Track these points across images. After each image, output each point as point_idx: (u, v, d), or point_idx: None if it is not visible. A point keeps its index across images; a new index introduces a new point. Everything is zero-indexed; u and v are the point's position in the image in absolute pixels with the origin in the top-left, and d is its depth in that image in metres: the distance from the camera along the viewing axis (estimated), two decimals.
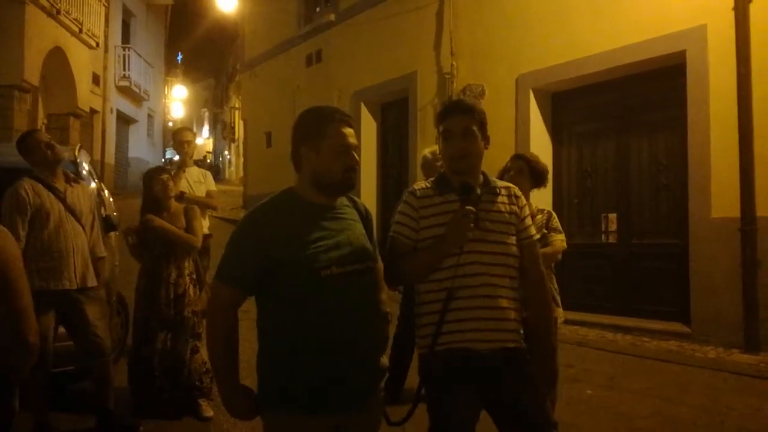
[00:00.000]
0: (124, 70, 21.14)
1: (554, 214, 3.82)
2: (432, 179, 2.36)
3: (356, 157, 2.00)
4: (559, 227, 3.78)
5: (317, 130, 1.97)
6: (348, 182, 1.99)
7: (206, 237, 5.18)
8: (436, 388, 2.17)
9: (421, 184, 2.34)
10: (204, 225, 5.26)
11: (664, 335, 6.22)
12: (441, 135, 2.28)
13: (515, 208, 2.29)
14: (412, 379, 4.43)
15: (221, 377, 1.98)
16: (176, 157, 6.01)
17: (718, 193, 5.90)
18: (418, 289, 2.28)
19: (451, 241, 2.11)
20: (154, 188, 4.29)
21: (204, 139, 48.62)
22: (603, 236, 7.30)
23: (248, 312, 2.06)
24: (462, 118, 2.24)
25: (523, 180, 3.70)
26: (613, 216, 7.20)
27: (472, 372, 2.14)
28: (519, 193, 2.36)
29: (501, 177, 3.67)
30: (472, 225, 2.09)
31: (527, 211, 2.36)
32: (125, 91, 21.45)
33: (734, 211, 5.74)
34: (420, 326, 2.25)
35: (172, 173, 4.66)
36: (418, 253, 2.21)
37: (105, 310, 4.19)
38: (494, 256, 2.19)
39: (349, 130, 1.99)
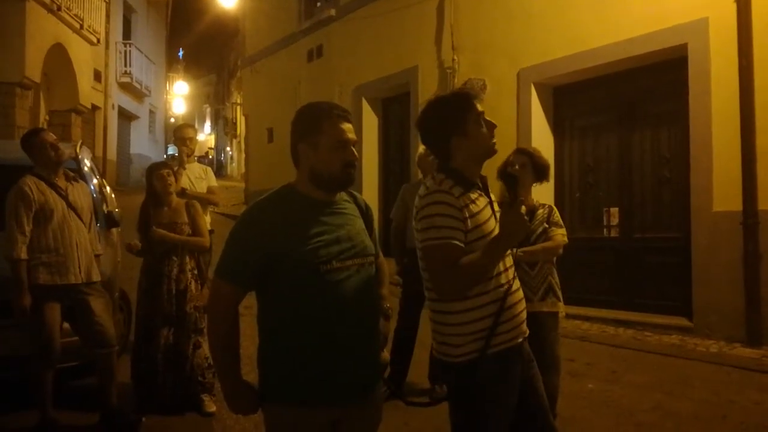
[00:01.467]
0: (126, 66, 21.15)
1: (555, 209, 3.82)
2: (442, 176, 2.12)
3: (355, 152, 2.00)
4: (560, 221, 3.78)
5: (315, 126, 1.96)
6: (347, 178, 1.99)
7: (208, 233, 5.19)
8: (492, 388, 2.08)
9: (446, 182, 2.09)
10: (206, 221, 5.27)
11: (667, 329, 6.22)
12: (475, 120, 2.13)
13: None
14: (413, 374, 4.46)
15: (223, 373, 1.99)
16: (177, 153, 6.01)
17: (720, 186, 5.89)
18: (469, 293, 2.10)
19: (514, 237, 2.03)
20: (154, 183, 4.30)
21: (206, 135, 48.65)
22: (605, 230, 7.29)
23: (250, 308, 2.06)
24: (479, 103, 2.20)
25: (527, 174, 3.71)
26: (615, 210, 7.20)
27: (518, 366, 2.16)
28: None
29: (503, 171, 3.68)
30: (526, 218, 2.05)
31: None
32: (127, 88, 21.47)
33: (736, 204, 5.73)
34: (461, 334, 2.08)
35: (174, 169, 4.66)
36: (480, 257, 2.01)
37: (109, 304, 4.24)
38: (511, 250, 2.21)
39: (347, 126, 1.99)
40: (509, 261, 2.19)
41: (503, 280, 2.11)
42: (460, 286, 2.05)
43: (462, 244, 2.02)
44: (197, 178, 5.57)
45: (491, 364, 2.06)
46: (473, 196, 2.11)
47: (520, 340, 2.16)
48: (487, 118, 2.15)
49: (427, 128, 2.21)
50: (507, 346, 2.11)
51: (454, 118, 2.14)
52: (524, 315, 2.20)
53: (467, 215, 2.05)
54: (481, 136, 2.13)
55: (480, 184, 2.18)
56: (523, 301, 2.21)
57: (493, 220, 2.13)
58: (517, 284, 2.19)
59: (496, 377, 2.08)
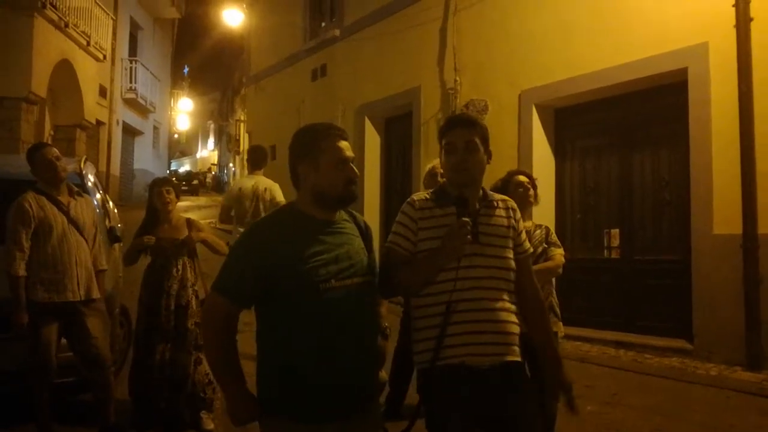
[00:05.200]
0: (131, 82, 21.29)
1: (552, 229, 3.85)
2: (431, 191, 2.34)
3: (355, 169, 2.03)
4: (558, 241, 3.81)
5: (314, 147, 2.00)
6: (350, 195, 2.02)
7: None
8: (438, 405, 2.13)
9: (420, 195, 2.32)
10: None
11: (666, 352, 6.20)
12: (443, 148, 2.28)
13: (512, 221, 2.31)
14: (414, 394, 4.45)
15: (224, 385, 2.00)
16: (181, 170, 6.07)
17: (720, 209, 5.91)
18: (412, 302, 2.25)
19: (447, 253, 2.10)
20: (156, 198, 4.31)
21: (209, 151, 48.80)
22: (605, 252, 7.29)
23: (250, 324, 2.08)
24: (464, 131, 2.26)
25: (526, 195, 3.75)
26: (615, 231, 7.20)
27: (473, 388, 2.11)
28: (515, 206, 2.38)
29: (503, 191, 3.70)
30: (469, 237, 2.09)
31: (522, 225, 2.38)
32: (131, 104, 21.59)
33: (736, 227, 5.74)
34: (417, 341, 2.21)
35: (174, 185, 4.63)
36: (414, 265, 2.18)
37: (106, 323, 4.21)
38: (492, 270, 2.19)
39: (344, 143, 2.03)
40: (473, 282, 2.15)
41: (444, 298, 2.12)
42: (393, 287, 2.20)
43: (405, 251, 2.21)
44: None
45: (439, 377, 2.11)
46: (443, 212, 2.20)
47: (489, 361, 2.11)
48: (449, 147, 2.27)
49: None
50: (460, 361, 2.10)
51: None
52: (504, 338, 2.16)
53: (422, 226, 2.21)
54: (445, 161, 2.29)
55: (459, 203, 2.18)
56: (506, 324, 2.17)
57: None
58: (490, 304, 2.15)
59: (443, 391, 2.11)
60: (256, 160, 6.24)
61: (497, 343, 2.15)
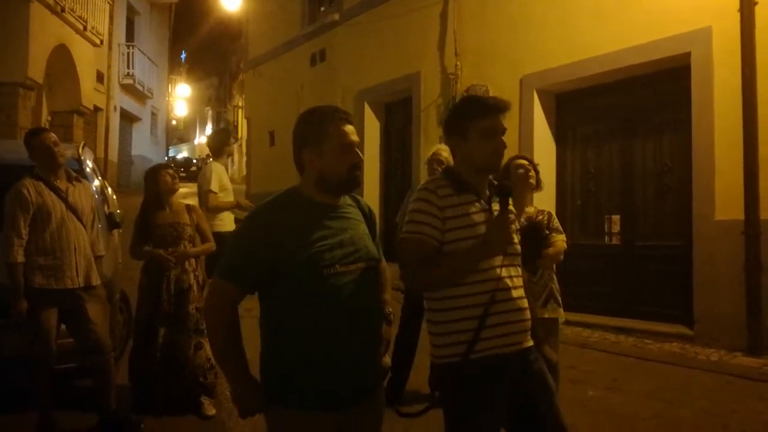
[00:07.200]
0: (128, 68, 21.18)
1: (554, 215, 3.82)
2: (440, 177, 2.22)
3: (360, 153, 2.00)
4: (560, 227, 3.79)
5: (319, 132, 1.96)
6: (354, 180, 2.00)
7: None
8: (472, 399, 2.06)
9: (435, 182, 2.18)
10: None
11: (667, 337, 6.20)
12: (479, 132, 2.13)
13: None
14: (415, 379, 4.45)
15: (228, 372, 1.98)
16: (179, 156, 6.03)
17: (723, 195, 5.88)
18: (442, 294, 2.11)
19: (495, 245, 2.04)
20: (159, 182, 4.28)
21: (207, 138, 48.61)
22: (606, 238, 7.28)
23: (251, 310, 2.05)
24: (503, 116, 2.18)
25: (526, 182, 3.72)
26: (616, 218, 7.19)
27: (504, 377, 2.10)
28: None
29: (499, 183, 3.68)
30: (514, 228, 2.06)
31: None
32: (129, 89, 21.49)
33: (738, 213, 5.72)
34: (447, 333, 2.10)
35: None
36: (455, 258, 2.07)
37: (105, 309, 4.20)
38: (516, 258, 2.20)
39: (350, 128, 1.99)
40: (513, 270, 2.17)
41: (490, 286, 2.08)
42: (427, 281, 2.10)
43: (434, 241, 2.07)
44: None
45: (475, 371, 2.05)
46: (464, 200, 2.13)
47: (510, 350, 2.11)
48: (500, 138, 2.17)
49: (446, 121, 2.30)
50: (493, 353, 2.08)
51: (459, 120, 2.21)
52: (525, 325, 2.17)
53: (448, 215, 2.09)
54: (480, 146, 2.14)
55: (481, 192, 2.17)
56: (526, 311, 2.18)
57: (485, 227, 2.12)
58: (518, 293, 2.16)
59: (478, 385, 2.06)
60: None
61: (521, 331, 2.16)
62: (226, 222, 5.78)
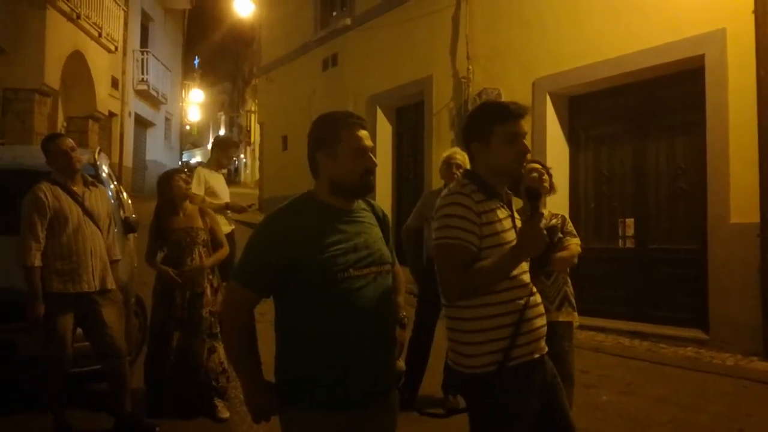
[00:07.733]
0: (143, 73, 21.32)
1: (568, 218, 3.81)
2: (466, 182, 2.16)
3: (373, 158, 2.02)
4: (574, 231, 3.77)
5: (332, 136, 1.98)
6: (367, 185, 2.01)
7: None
8: (510, 407, 2.05)
9: (469, 186, 2.12)
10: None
11: (682, 342, 6.15)
12: (502, 137, 2.13)
13: None
14: (427, 383, 4.45)
15: (242, 376, 1.99)
16: (192, 161, 6.10)
17: (737, 198, 5.83)
18: (473, 302, 2.06)
19: (532, 249, 2.03)
20: (173, 187, 4.32)
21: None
22: (620, 241, 7.24)
23: (265, 314, 2.07)
24: (525, 121, 2.19)
25: (543, 186, 3.71)
26: (630, 221, 7.14)
27: (536, 384, 2.11)
28: None
29: (526, 185, 3.66)
30: (545, 232, 2.05)
31: None
32: (143, 95, 21.65)
33: (753, 216, 5.67)
34: (481, 342, 2.06)
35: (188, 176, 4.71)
36: (493, 264, 2.03)
37: (121, 313, 4.23)
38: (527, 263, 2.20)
39: (363, 133, 2.00)
40: (529, 275, 2.17)
41: (523, 292, 2.09)
42: (466, 289, 2.05)
43: (474, 248, 2.03)
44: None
45: (511, 379, 2.03)
46: (493, 205, 2.12)
47: (537, 356, 2.12)
48: (523, 142, 2.17)
49: (466, 126, 2.28)
50: (526, 359, 2.08)
51: (481, 126, 2.19)
52: (544, 330, 2.17)
53: (484, 221, 2.06)
54: (503, 151, 2.14)
55: (503, 197, 2.18)
56: (544, 316, 2.19)
57: (512, 232, 2.12)
58: (538, 298, 2.17)
59: (516, 392, 2.05)
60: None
61: (544, 336, 2.17)
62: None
